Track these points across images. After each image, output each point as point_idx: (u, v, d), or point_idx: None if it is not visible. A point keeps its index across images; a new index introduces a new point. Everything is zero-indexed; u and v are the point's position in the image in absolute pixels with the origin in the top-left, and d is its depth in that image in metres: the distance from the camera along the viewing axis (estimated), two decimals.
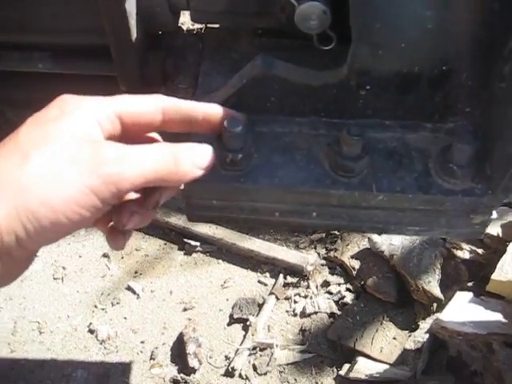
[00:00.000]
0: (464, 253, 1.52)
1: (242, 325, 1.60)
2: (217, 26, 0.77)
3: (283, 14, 0.69)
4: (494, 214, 0.65)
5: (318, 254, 1.72)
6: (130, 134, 0.52)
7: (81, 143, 0.45)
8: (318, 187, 0.62)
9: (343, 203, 0.64)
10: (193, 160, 0.52)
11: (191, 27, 0.80)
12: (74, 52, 0.73)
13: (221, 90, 0.67)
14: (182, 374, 1.49)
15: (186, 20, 0.77)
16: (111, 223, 0.56)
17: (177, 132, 0.56)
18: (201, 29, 0.80)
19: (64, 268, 1.71)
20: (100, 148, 0.45)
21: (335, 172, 0.62)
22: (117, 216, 0.53)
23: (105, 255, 1.74)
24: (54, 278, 1.69)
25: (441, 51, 0.59)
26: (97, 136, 0.48)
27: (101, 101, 0.49)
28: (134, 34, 0.67)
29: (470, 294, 1.41)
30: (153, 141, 0.58)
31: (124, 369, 1.51)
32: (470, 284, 1.51)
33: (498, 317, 1.30)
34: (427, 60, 0.60)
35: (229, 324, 1.60)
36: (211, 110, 0.56)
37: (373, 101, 0.64)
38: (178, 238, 1.75)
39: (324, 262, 1.70)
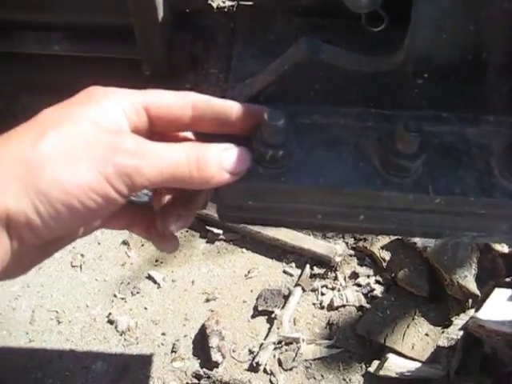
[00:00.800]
0: (502, 246, 1.44)
1: (266, 317, 1.55)
2: (250, 3, 0.70)
3: None
4: None
5: (347, 243, 1.65)
6: (159, 129, 0.49)
7: (101, 130, 0.43)
8: (369, 188, 0.55)
9: (394, 206, 0.57)
10: (222, 163, 0.47)
11: (222, 4, 0.73)
12: (93, 33, 0.66)
13: (258, 76, 0.60)
14: (204, 369, 1.45)
15: None
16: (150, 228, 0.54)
17: (208, 132, 0.51)
18: (232, 6, 0.73)
19: (82, 255, 1.67)
20: (120, 138, 0.43)
21: (387, 171, 0.55)
22: (162, 219, 0.51)
23: (124, 242, 1.69)
24: (73, 266, 1.65)
25: None
26: (121, 126, 0.45)
27: (128, 92, 0.47)
28: (160, 13, 0.60)
29: (509, 291, 1.33)
30: (185, 140, 0.53)
31: (144, 361, 1.47)
32: (507, 279, 1.44)
33: None
34: (498, 45, 0.52)
35: (253, 316, 1.56)
36: (246, 108, 0.51)
37: (430, 90, 0.57)
38: (200, 226, 1.69)
39: (352, 252, 1.64)
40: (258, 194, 0.57)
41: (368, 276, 1.59)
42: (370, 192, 0.55)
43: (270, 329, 1.52)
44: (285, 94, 0.57)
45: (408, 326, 1.42)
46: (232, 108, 0.50)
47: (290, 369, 1.45)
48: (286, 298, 1.57)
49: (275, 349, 1.48)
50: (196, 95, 0.49)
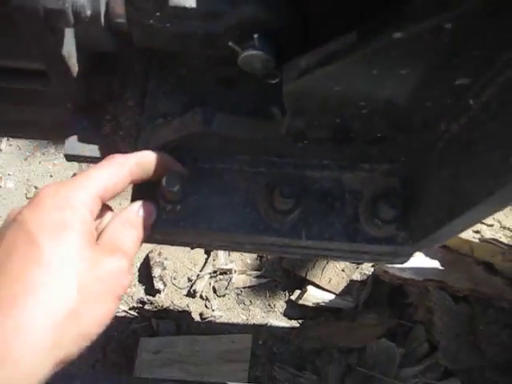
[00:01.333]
0: None
1: (204, 249, 1.67)
2: None
3: (227, 51, 0.67)
4: (414, 256, 0.71)
5: None
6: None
7: (90, 275, 0.48)
8: (252, 232, 0.66)
9: (275, 244, 0.68)
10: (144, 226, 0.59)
11: None
12: (13, 69, 0.70)
13: (163, 128, 0.67)
14: (148, 296, 1.60)
15: None
16: None
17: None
18: None
19: (36, 188, 1.74)
20: (118, 276, 0.51)
21: (268, 218, 0.66)
22: None
23: (75, 174, 1.76)
24: (27, 198, 1.72)
25: (375, 123, 0.59)
26: (92, 231, 0.51)
27: (86, 190, 0.51)
28: (75, 71, 0.65)
29: None
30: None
31: None
32: None
33: (435, 264, 1.40)
34: (361, 129, 0.61)
35: (192, 248, 1.68)
36: (160, 160, 0.60)
37: (311, 148, 0.66)
38: None
39: None
40: (163, 234, 0.67)
41: None
42: (253, 236, 0.66)
43: (206, 260, 1.67)
44: (186, 145, 0.65)
45: (327, 263, 1.59)
46: (156, 162, 0.59)
47: (223, 295, 1.62)
48: None
49: (211, 277, 1.64)
50: (130, 160, 0.57)
